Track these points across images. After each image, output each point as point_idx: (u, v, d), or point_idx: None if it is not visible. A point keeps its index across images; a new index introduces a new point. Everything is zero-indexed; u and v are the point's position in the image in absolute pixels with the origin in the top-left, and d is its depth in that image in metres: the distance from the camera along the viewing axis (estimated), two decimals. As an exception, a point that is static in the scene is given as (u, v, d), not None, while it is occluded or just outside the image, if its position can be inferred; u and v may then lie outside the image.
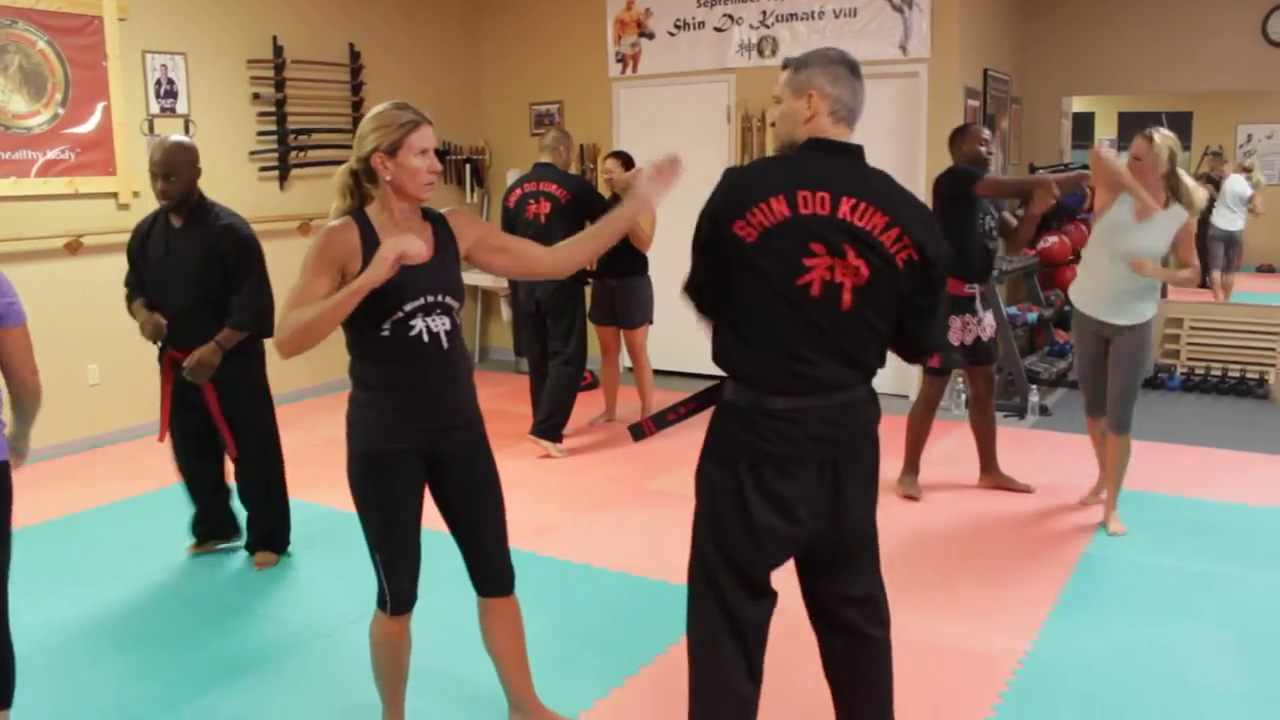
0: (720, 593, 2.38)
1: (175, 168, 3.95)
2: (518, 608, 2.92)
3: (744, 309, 2.30)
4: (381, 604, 2.76)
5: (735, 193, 2.30)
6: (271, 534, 4.43)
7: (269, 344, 2.88)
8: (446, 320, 2.65)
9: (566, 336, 6.04)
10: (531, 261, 2.86)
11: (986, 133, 5.10)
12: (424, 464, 2.70)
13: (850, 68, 2.32)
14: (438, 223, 2.72)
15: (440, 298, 2.63)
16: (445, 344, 2.65)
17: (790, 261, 2.21)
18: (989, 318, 5.13)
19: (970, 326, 5.04)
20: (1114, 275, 4.45)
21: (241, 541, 4.53)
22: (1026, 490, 5.22)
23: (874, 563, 2.54)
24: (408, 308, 2.57)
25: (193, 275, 4.02)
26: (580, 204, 5.89)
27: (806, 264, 2.20)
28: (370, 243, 2.55)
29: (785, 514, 2.32)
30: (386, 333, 2.57)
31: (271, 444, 4.39)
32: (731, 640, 2.39)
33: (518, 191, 6.02)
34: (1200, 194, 4.40)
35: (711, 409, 2.44)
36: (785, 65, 2.39)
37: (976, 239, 4.99)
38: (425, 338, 2.60)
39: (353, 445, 2.67)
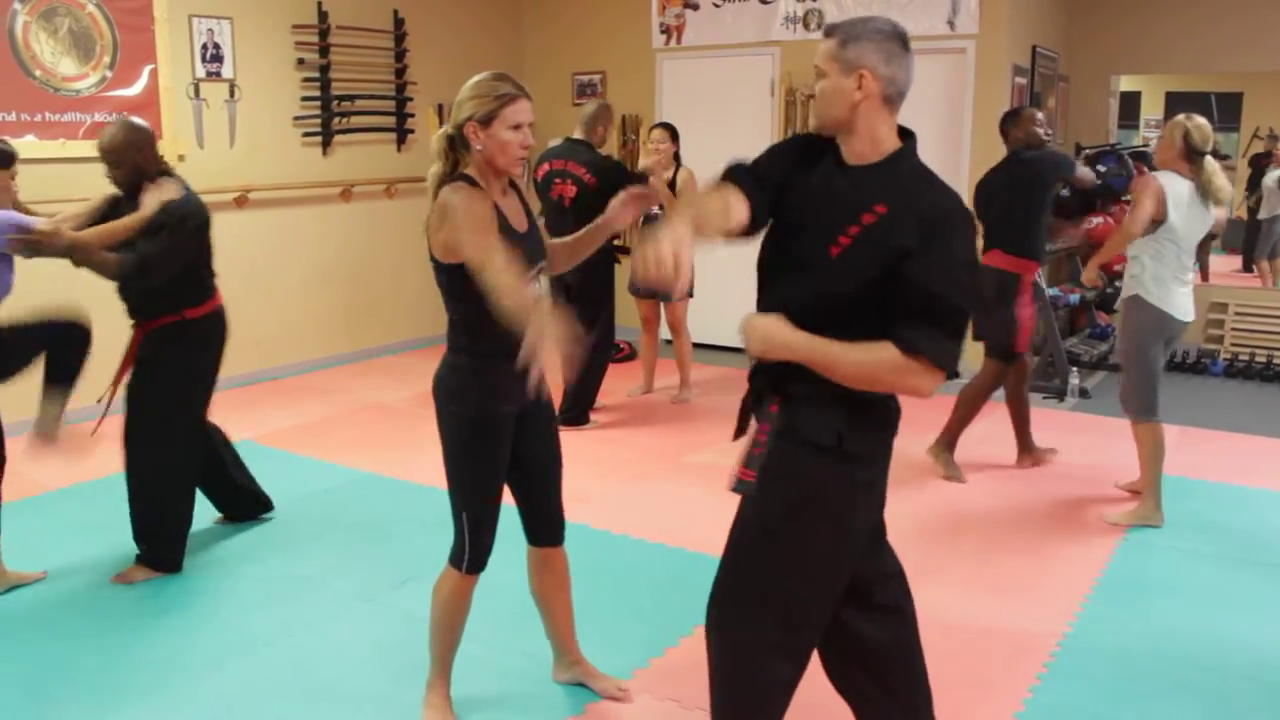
0: (806, 641, 2.31)
1: (118, 154, 3.74)
2: (567, 558, 3.04)
3: None
4: (457, 562, 2.83)
5: None
6: (149, 547, 3.98)
7: None
8: (539, 287, 2.78)
9: (591, 322, 5.91)
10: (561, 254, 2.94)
11: (1040, 114, 5.11)
12: (516, 424, 2.78)
13: (903, 42, 2.13)
14: (519, 191, 2.82)
15: (542, 263, 2.78)
16: None
17: None
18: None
19: (1042, 311, 5.09)
20: None
21: (272, 514, 4.52)
22: (1053, 451, 5.42)
23: None
24: (527, 275, 2.66)
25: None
26: (607, 191, 5.76)
27: None
28: (496, 209, 2.63)
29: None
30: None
31: (162, 444, 3.92)
32: (795, 682, 2.34)
33: (546, 166, 5.85)
34: (1225, 190, 4.38)
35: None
36: (829, 33, 2.15)
37: (1045, 223, 5.13)
38: None
39: (461, 409, 2.71)
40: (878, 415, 2.20)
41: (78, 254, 3.58)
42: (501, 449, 2.74)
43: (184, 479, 4.06)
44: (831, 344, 2.08)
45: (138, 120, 3.95)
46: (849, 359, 2.07)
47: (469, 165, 2.67)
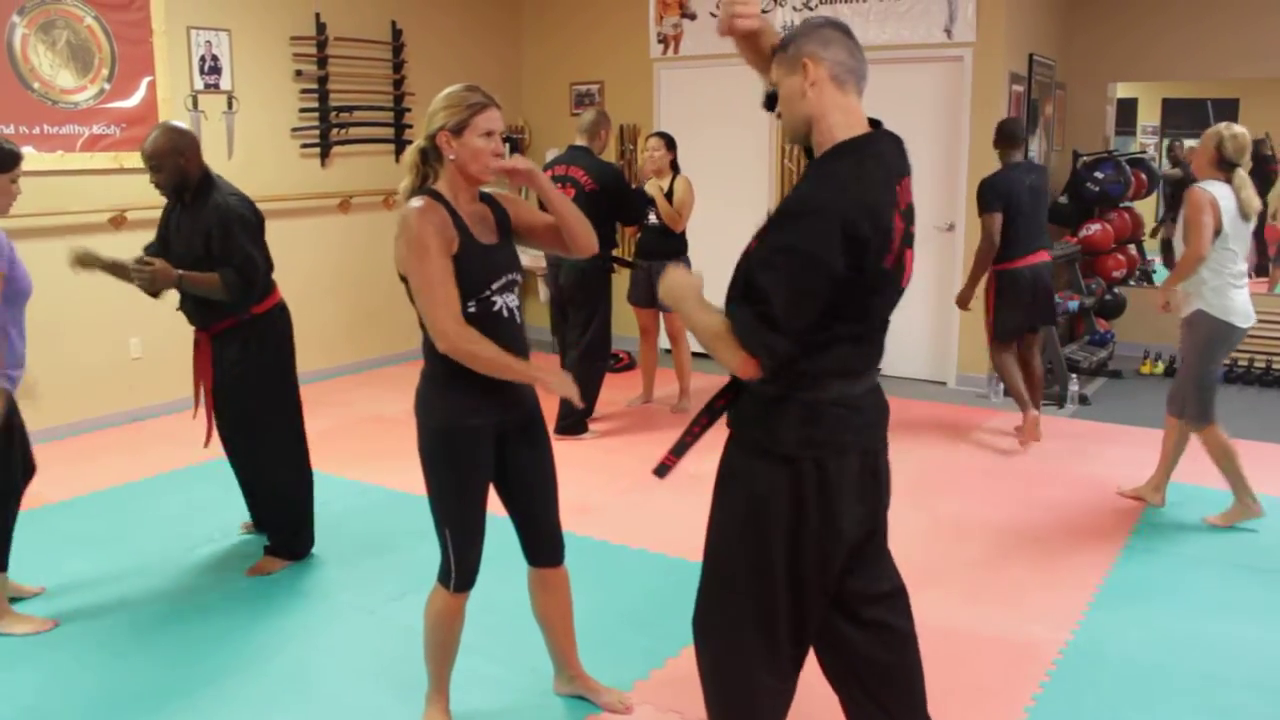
0: (787, 651, 2.24)
1: (160, 159, 3.82)
2: (567, 578, 3.01)
3: (861, 316, 2.13)
4: (444, 579, 2.80)
5: (881, 228, 2.04)
6: (277, 537, 4.18)
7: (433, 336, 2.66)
8: (515, 297, 2.75)
9: (583, 327, 5.94)
10: (561, 235, 2.83)
11: None
12: (495, 439, 2.75)
13: (840, 29, 2.15)
14: (492, 204, 2.79)
15: (514, 275, 2.74)
16: (518, 318, 2.75)
17: (897, 257, 2.12)
18: None
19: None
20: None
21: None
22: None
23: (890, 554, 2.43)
24: (494, 285, 2.66)
25: (192, 255, 3.87)
26: (607, 194, 5.80)
27: (895, 247, 2.11)
28: (458, 222, 2.62)
29: (869, 513, 2.26)
30: (472, 310, 2.63)
31: (266, 439, 4.06)
32: (781, 693, 2.30)
33: (548, 174, 5.92)
34: (1252, 203, 4.37)
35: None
36: (772, 53, 2.25)
37: None
38: (505, 313, 2.70)
39: (432, 421, 2.72)
40: (812, 415, 2.10)
41: (185, 284, 3.80)
42: (474, 462, 2.72)
43: (297, 465, 4.17)
44: (696, 303, 2.15)
45: (180, 124, 4.05)
46: (700, 321, 2.13)
47: (440, 178, 2.68)
